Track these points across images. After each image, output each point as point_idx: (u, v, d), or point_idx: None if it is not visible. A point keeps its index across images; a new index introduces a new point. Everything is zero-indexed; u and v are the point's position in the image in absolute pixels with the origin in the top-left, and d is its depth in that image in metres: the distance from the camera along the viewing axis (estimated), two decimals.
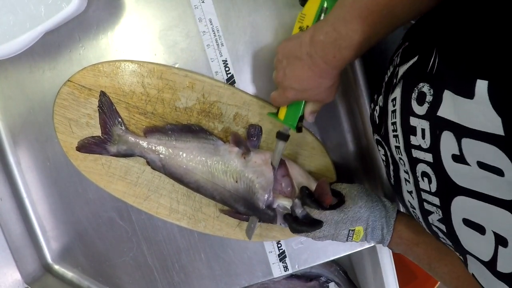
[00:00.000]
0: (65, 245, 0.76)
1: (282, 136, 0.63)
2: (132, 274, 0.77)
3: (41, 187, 0.74)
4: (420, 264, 0.58)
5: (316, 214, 0.58)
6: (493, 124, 0.30)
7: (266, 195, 0.63)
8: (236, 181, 0.64)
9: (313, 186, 0.62)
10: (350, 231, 0.58)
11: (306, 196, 0.59)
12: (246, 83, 0.68)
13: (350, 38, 0.46)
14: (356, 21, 0.44)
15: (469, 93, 0.32)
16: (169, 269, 0.76)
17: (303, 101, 0.59)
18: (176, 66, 0.67)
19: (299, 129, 0.61)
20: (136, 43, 0.67)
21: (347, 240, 0.59)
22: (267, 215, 0.64)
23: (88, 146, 0.68)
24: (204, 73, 0.67)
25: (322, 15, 0.54)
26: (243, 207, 0.65)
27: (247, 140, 0.66)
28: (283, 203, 0.62)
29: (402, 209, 0.71)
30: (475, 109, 0.32)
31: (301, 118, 0.60)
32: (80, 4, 0.60)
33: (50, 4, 0.61)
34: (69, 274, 0.78)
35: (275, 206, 0.63)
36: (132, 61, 0.66)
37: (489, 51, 0.30)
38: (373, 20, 0.44)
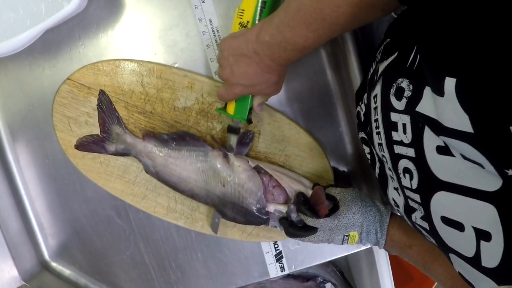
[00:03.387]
0: (62, 243, 0.77)
1: (234, 129, 0.65)
2: (129, 273, 0.77)
3: (39, 185, 0.74)
4: (415, 265, 0.59)
5: (310, 221, 0.59)
6: (462, 121, 0.30)
7: (258, 200, 0.63)
8: (224, 185, 0.64)
9: (308, 191, 0.62)
10: (345, 236, 0.59)
11: (301, 203, 0.60)
12: None
13: (294, 42, 0.48)
14: (300, 27, 0.46)
15: (440, 91, 0.32)
16: (166, 268, 0.77)
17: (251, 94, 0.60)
18: (176, 65, 0.67)
19: (249, 121, 0.63)
20: (136, 42, 0.67)
21: (342, 244, 0.59)
22: (259, 219, 0.64)
23: (86, 145, 0.68)
24: (203, 73, 0.67)
25: (259, 9, 0.56)
26: (231, 211, 0.65)
27: (237, 146, 0.67)
28: (279, 208, 0.63)
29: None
30: (446, 107, 0.32)
31: (250, 110, 0.62)
32: (81, 2, 0.60)
33: (51, 2, 0.62)
34: (66, 271, 0.78)
35: (271, 210, 0.63)
36: (131, 60, 0.66)
37: (456, 49, 0.30)
38: (317, 27, 0.45)
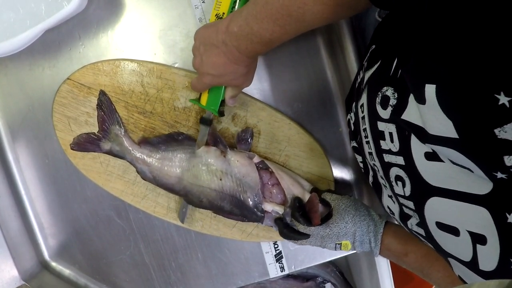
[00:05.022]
0: (62, 243, 0.77)
1: (205, 121, 0.65)
2: (129, 273, 0.77)
3: (39, 185, 0.74)
4: (413, 271, 0.59)
5: (301, 228, 0.59)
6: (446, 128, 0.30)
7: (255, 195, 0.63)
8: (221, 179, 0.64)
9: (306, 196, 0.62)
10: (337, 245, 0.59)
11: (296, 209, 0.60)
12: None
13: (261, 35, 0.48)
14: (267, 20, 0.46)
15: (421, 99, 0.32)
16: (166, 268, 0.77)
17: (223, 86, 0.60)
18: (176, 65, 0.67)
19: (221, 113, 0.64)
20: (136, 42, 0.67)
21: (336, 250, 0.60)
22: (254, 215, 0.64)
23: (81, 144, 0.68)
24: None
25: (237, 2, 0.57)
26: (229, 205, 0.65)
27: (238, 144, 0.67)
28: (276, 209, 0.63)
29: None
30: (428, 114, 0.32)
31: (223, 102, 0.62)
32: (81, 2, 0.60)
33: (51, 2, 0.62)
34: (66, 271, 0.78)
35: (269, 210, 0.63)
36: (131, 60, 0.66)
37: (433, 55, 0.30)
38: (284, 23, 0.46)
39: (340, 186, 0.73)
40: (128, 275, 0.78)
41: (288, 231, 0.60)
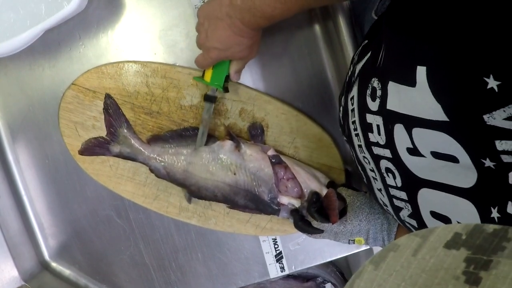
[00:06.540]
0: (62, 243, 0.77)
1: (210, 98, 0.64)
2: (129, 273, 0.77)
3: (39, 185, 0.74)
4: None
5: (315, 224, 0.59)
6: (435, 111, 0.30)
7: (269, 189, 0.64)
8: (234, 173, 0.64)
9: (323, 190, 0.62)
10: (350, 241, 0.59)
11: (312, 205, 0.60)
12: (249, 78, 0.68)
13: (262, 10, 0.49)
14: None
15: (411, 81, 0.32)
16: (166, 268, 0.77)
17: (228, 62, 0.60)
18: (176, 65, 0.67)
19: (226, 89, 0.63)
20: (136, 42, 0.67)
21: (349, 244, 0.60)
22: (270, 208, 0.65)
23: (90, 148, 0.68)
24: None
25: None
26: (243, 200, 0.65)
27: (252, 139, 0.67)
28: (292, 201, 0.63)
29: None
30: (418, 97, 0.31)
31: (227, 78, 0.62)
32: (81, 2, 0.60)
33: (51, 2, 0.62)
34: (66, 271, 0.78)
35: (285, 203, 0.63)
36: (135, 62, 0.66)
37: (424, 36, 0.30)
38: (285, 0, 0.47)
39: (352, 187, 0.72)
40: (128, 275, 0.78)
41: (303, 224, 0.61)
